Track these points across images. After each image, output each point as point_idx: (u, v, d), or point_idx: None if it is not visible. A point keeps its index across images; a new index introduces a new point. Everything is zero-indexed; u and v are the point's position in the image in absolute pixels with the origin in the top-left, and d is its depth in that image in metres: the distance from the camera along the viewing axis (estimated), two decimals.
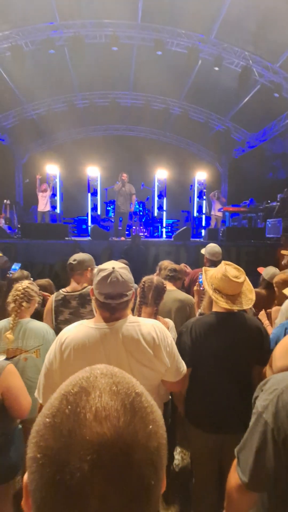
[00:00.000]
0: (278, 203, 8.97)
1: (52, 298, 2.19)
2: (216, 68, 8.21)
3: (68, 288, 2.22)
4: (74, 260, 2.27)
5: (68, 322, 2.04)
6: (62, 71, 9.00)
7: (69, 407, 0.39)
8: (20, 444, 1.70)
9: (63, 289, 2.23)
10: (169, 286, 2.51)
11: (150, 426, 0.40)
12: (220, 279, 1.65)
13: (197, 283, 3.02)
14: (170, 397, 2.00)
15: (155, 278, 1.97)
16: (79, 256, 2.31)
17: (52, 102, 10.65)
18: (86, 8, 7.30)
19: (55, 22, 7.60)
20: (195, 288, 2.97)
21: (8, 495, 1.66)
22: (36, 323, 1.98)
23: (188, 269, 3.12)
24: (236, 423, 1.61)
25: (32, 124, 11.06)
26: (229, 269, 1.66)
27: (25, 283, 2.01)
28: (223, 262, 1.74)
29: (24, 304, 1.92)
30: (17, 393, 1.54)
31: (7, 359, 1.80)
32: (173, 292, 2.53)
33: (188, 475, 1.84)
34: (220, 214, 9.98)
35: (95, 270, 1.31)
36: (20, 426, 1.71)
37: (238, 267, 1.70)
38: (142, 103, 10.96)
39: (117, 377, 0.43)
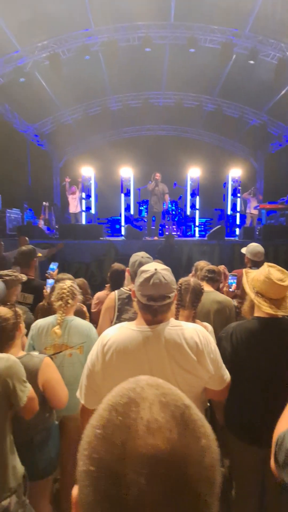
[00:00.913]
0: None
1: (114, 296, 2.16)
2: (251, 62, 7.93)
3: (131, 287, 2.17)
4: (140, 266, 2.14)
5: (133, 320, 2.08)
6: (96, 75, 9.24)
7: (120, 418, 0.39)
8: (57, 440, 1.72)
9: (125, 288, 2.18)
10: (207, 288, 2.45)
11: (203, 441, 0.39)
12: (263, 281, 1.56)
13: (226, 285, 2.89)
14: (208, 404, 1.95)
15: (192, 280, 1.92)
16: (146, 262, 2.14)
17: (87, 106, 10.99)
18: (119, 12, 7.41)
19: (90, 28, 7.84)
20: (224, 289, 2.86)
21: (47, 490, 1.68)
22: (80, 321, 2.05)
23: (227, 272, 3.01)
24: None
25: (69, 128, 11.49)
26: (273, 271, 1.57)
27: (68, 282, 2.09)
28: (266, 264, 1.65)
29: (70, 301, 2.00)
30: (55, 385, 1.61)
31: (54, 354, 1.90)
32: (211, 294, 2.46)
33: (226, 483, 1.80)
34: (256, 212, 9.63)
35: (138, 271, 1.30)
36: (57, 422, 1.75)
37: (283, 269, 1.62)
38: (174, 101, 10.91)
39: (163, 388, 0.43)
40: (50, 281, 2.78)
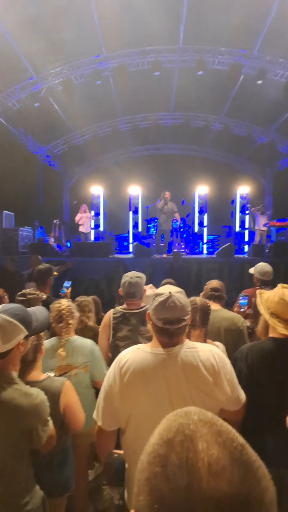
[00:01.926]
0: None
1: (109, 315, 2.22)
2: (259, 82, 8.09)
3: (124, 306, 2.24)
4: (131, 287, 2.19)
5: (127, 338, 2.10)
6: (106, 98, 9.59)
7: (179, 457, 0.39)
8: (73, 459, 1.75)
9: (120, 307, 2.24)
10: (214, 306, 2.44)
11: (263, 482, 0.40)
12: (278, 303, 1.56)
13: (237, 305, 2.87)
14: None
15: (198, 299, 1.95)
16: (137, 284, 2.22)
17: (97, 128, 11.35)
18: (129, 38, 7.72)
19: (101, 54, 8.20)
20: (235, 309, 2.83)
21: (62, 506, 1.72)
22: (83, 340, 2.06)
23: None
24: None
25: (79, 149, 11.85)
26: (287, 292, 1.57)
27: (65, 302, 2.10)
28: (280, 285, 1.65)
29: (70, 321, 2.01)
30: (75, 408, 1.60)
31: (60, 375, 1.88)
32: (219, 312, 2.45)
33: None
34: (265, 228, 9.55)
35: (152, 295, 1.31)
36: (70, 443, 1.78)
37: None
38: (182, 121, 11.16)
39: (217, 425, 0.43)
40: (65, 284, 2.81)
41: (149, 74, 8.24)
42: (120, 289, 2.26)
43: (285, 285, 1.66)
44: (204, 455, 0.39)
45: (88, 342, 2.06)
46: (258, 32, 7.24)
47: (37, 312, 1.41)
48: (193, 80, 8.51)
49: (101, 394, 1.27)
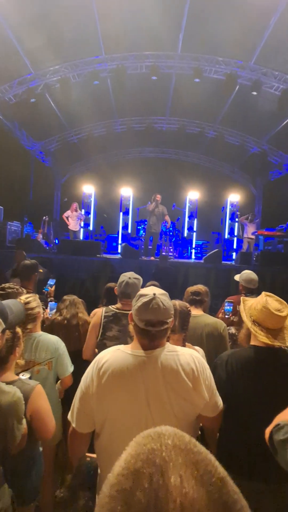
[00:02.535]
0: None
1: (101, 313, 2.17)
2: (254, 93, 8.27)
3: (118, 306, 2.21)
4: (128, 287, 2.13)
5: (116, 339, 2.06)
6: (103, 99, 9.61)
7: (146, 496, 0.33)
8: (41, 467, 1.69)
9: (113, 306, 2.21)
10: (196, 311, 2.40)
11: None
12: (260, 311, 1.54)
13: (222, 311, 2.87)
14: (199, 432, 1.93)
15: (177, 303, 1.90)
16: (134, 285, 2.16)
17: (93, 127, 11.34)
18: (129, 41, 7.79)
19: (101, 55, 8.22)
20: (220, 316, 2.83)
21: None
22: (48, 336, 2.03)
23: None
24: (274, 472, 1.43)
25: (73, 147, 11.80)
26: (271, 301, 1.56)
27: (23, 297, 2.01)
28: (263, 293, 1.64)
29: (29, 326, 1.95)
30: (43, 415, 1.52)
31: (22, 371, 1.84)
32: (201, 317, 2.40)
33: None
34: (253, 237, 9.71)
35: (136, 295, 1.29)
36: (41, 448, 1.70)
37: (281, 299, 1.59)
38: (177, 127, 11.28)
39: (194, 454, 0.37)
40: (52, 304, 2.77)
41: (147, 78, 8.31)
42: (115, 287, 2.21)
43: (268, 293, 1.65)
44: (177, 494, 0.33)
45: (53, 338, 2.02)
46: (256, 45, 7.40)
47: (11, 304, 1.38)
48: (190, 86, 8.62)
49: (77, 394, 1.24)
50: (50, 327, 2.53)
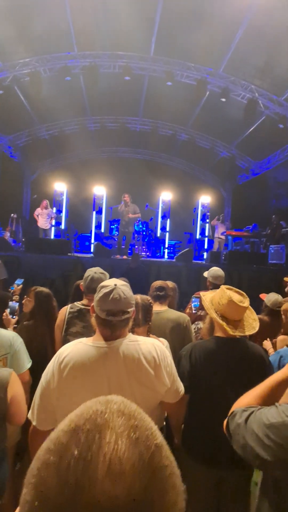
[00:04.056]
0: (269, 230, 9.14)
1: (65, 310, 2.15)
2: (223, 99, 8.58)
3: (83, 302, 2.17)
4: (93, 282, 2.09)
5: (79, 335, 2.02)
6: (76, 96, 9.46)
7: (79, 448, 0.34)
8: (6, 463, 1.64)
9: (79, 302, 2.18)
10: (159, 307, 2.42)
11: (169, 494, 0.34)
12: (227, 305, 1.59)
13: (189, 307, 2.96)
14: (164, 423, 1.96)
15: (139, 297, 1.92)
16: (100, 280, 2.14)
17: (64, 124, 11.10)
18: (103, 41, 7.79)
19: (73, 52, 8.10)
20: (187, 311, 2.91)
21: None
22: (2, 332, 1.98)
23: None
24: (236, 459, 1.55)
25: (44, 143, 11.47)
26: (233, 294, 1.63)
27: None
28: (223, 286, 1.70)
29: None
30: (20, 399, 1.54)
31: None
32: (164, 313, 2.42)
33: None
34: (223, 237, 10.08)
35: (98, 287, 1.30)
36: (5, 444, 1.66)
37: (240, 290, 1.67)
38: (150, 128, 11.40)
39: (136, 419, 0.37)
40: (13, 304, 2.65)
41: (120, 78, 8.32)
42: (81, 283, 2.18)
43: (228, 286, 1.72)
44: (108, 450, 0.33)
45: (8, 334, 1.99)
46: (224, 54, 7.72)
47: None
48: (162, 89, 8.77)
49: (38, 391, 1.22)
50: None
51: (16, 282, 3.18)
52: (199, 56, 7.98)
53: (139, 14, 6.54)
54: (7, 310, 2.55)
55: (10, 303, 2.68)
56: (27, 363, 2.04)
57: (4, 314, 2.52)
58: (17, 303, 2.64)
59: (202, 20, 6.54)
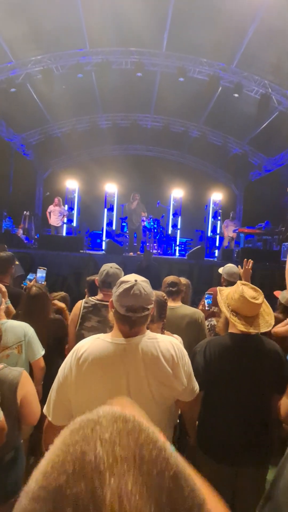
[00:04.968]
0: (282, 227, 9.00)
1: (80, 304, 2.15)
2: (236, 95, 8.45)
3: (98, 297, 2.19)
4: (109, 277, 2.11)
5: (95, 329, 2.03)
6: (88, 93, 9.48)
7: (71, 489, 0.27)
8: (24, 459, 1.67)
9: (93, 297, 2.19)
10: (174, 303, 2.41)
11: None
12: (238, 300, 1.59)
13: (202, 303, 2.94)
14: (178, 420, 1.91)
15: (153, 292, 1.96)
16: (115, 275, 2.13)
17: (76, 122, 11.16)
18: (115, 37, 7.75)
19: (85, 48, 8.10)
20: (200, 307, 2.89)
21: None
22: (14, 323, 2.04)
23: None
24: (252, 457, 1.51)
25: (56, 141, 11.56)
26: (246, 290, 1.61)
27: None
28: (238, 282, 1.69)
29: None
30: (32, 399, 1.54)
31: None
32: (179, 309, 2.41)
33: None
34: (234, 235, 9.97)
35: (117, 282, 1.30)
36: (21, 440, 1.69)
37: (255, 287, 1.65)
38: (161, 125, 11.33)
39: (142, 433, 0.30)
40: (29, 276, 2.72)
41: (132, 74, 8.29)
42: (96, 278, 2.19)
43: (244, 282, 1.71)
44: (113, 494, 0.27)
45: (20, 324, 2.05)
46: (236, 49, 7.60)
47: None
48: (174, 86, 8.69)
49: (54, 385, 1.21)
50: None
51: (28, 277, 3.20)
52: (211, 51, 7.86)
53: (151, 9, 6.49)
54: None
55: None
56: (41, 350, 2.08)
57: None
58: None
59: (214, 15, 6.43)
